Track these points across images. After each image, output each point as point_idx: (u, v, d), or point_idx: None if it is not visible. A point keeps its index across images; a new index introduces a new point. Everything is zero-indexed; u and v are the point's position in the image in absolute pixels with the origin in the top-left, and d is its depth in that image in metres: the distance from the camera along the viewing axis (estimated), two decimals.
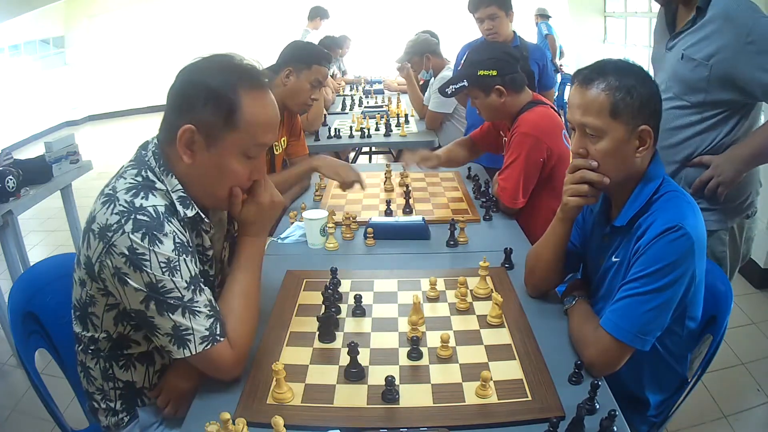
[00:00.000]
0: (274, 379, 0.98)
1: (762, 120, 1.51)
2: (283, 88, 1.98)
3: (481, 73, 1.79)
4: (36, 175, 2.56)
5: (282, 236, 1.71)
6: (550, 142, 1.77)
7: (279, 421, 0.84)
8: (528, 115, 1.81)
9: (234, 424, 0.85)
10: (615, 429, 0.87)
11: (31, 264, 2.08)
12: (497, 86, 1.79)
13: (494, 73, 1.78)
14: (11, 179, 2.31)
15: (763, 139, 1.42)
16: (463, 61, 1.91)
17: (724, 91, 1.41)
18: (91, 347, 1.10)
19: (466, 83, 1.83)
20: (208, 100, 0.96)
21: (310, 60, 2.00)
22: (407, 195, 1.91)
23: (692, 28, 1.45)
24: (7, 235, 2.43)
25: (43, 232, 4.00)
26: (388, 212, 1.85)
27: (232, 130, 0.98)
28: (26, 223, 3.50)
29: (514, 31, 2.59)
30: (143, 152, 1.05)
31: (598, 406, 0.93)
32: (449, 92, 1.88)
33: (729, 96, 1.42)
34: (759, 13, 1.35)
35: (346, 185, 1.89)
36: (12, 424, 2.08)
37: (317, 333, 1.17)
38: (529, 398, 0.97)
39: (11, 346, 2.35)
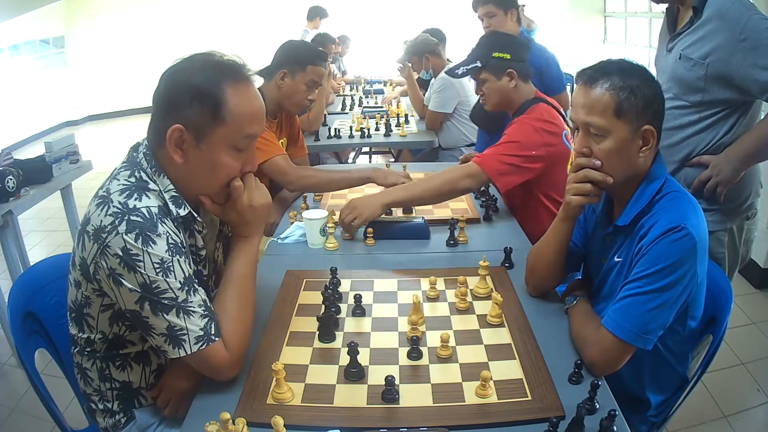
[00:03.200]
0: (274, 379, 0.98)
1: (761, 118, 1.51)
2: (278, 90, 1.98)
3: (495, 54, 1.79)
4: (36, 175, 2.56)
5: (282, 236, 1.71)
6: (548, 139, 1.74)
7: (279, 421, 0.84)
8: (529, 113, 1.79)
9: (234, 424, 0.85)
10: (615, 429, 0.87)
11: (31, 264, 2.08)
12: (510, 69, 1.78)
13: (508, 56, 1.78)
14: (11, 179, 2.31)
15: (760, 136, 1.42)
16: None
17: (721, 90, 1.42)
18: (87, 348, 1.10)
19: (479, 64, 1.82)
20: (194, 99, 0.97)
21: (304, 60, 1.98)
22: None
23: (690, 29, 1.46)
24: (7, 235, 2.43)
25: (43, 232, 3.99)
26: (388, 212, 1.85)
27: (219, 125, 0.99)
28: (26, 223, 3.50)
29: (522, 30, 2.59)
30: (134, 154, 1.06)
31: (598, 406, 0.93)
32: (460, 72, 1.87)
33: (726, 95, 1.42)
34: (752, 11, 1.35)
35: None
36: (12, 424, 2.07)
37: (317, 333, 1.17)
38: (529, 398, 0.97)
39: (11, 346, 2.35)
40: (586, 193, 1.13)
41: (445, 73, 2.00)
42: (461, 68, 1.86)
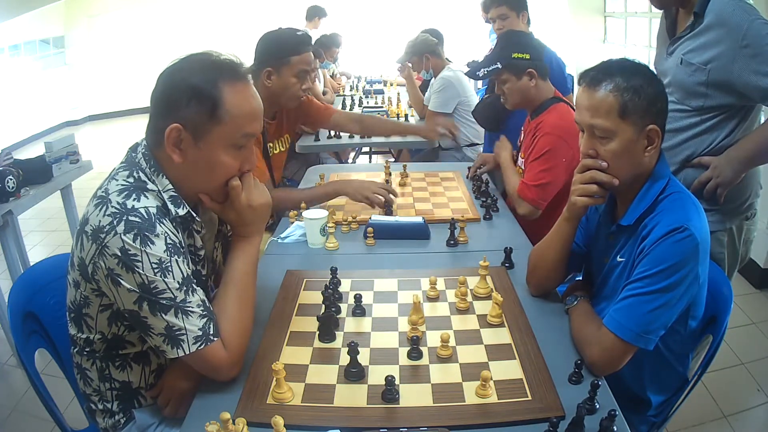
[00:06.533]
0: (274, 378, 0.98)
1: (762, 121, 1.51)
2: (267, 90, 1.85)
3: (515, 55, 1.82)
4: (36, 175, 2.56)
5: (282, 236, 1.71)
6: (573, 144, 1.73)
7: (279, 421, 0.84)
8: (550, 118, 1.82)
9: (234, 424, 0.85)
10: (615, 429, 0.87)
11: (31, 264, 2.08)
12: (530, 69, 1.82)
13: (527, 56, 1.82)
14: (11, 179, 2.31)
15: (761, 139, 1.42)
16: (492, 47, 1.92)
17: (723, 96, 1.41)
18: (87, 349, 1.10)
19: (499, 65, 1.84)
20: (192, 98, 0.97)
21: (286, 53, 1.86)
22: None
23: (690, 34, 1.45)
24: (7, 235, 2.43)
25: (43, 232, 3.99)
26: (388, 212, 1.85)
27: (218, 124, 0.99)
28: (26, 223, 3.50)
29: (531, 33, 2.59)
30: (133, 154, 1.06)
31: (598, 406, 0.93)
32: (481, 74, 1.89)
33: (728, 100, 1.42)
34: (754, 15, 1.33)
35: (376, 205, 1.83)
36: (12, 424, 2.07)
37: (317, 333, 1.17)
38: (529, 398, 0.97)
39: (11, 346, 2.35)
40: (591, 194, 1.13)
41: (464, 74, 2.02)
42: (481, 69, 1.88)
